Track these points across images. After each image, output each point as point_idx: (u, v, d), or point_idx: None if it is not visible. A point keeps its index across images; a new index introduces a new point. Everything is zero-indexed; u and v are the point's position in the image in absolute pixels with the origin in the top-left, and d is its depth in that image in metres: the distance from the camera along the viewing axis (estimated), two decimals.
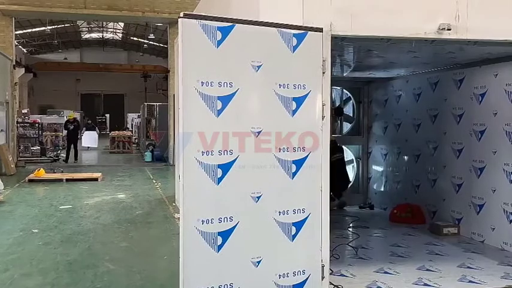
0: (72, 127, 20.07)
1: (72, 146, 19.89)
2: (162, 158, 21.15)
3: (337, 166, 8.61)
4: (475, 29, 4.65)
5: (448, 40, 4.69)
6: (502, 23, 4.72)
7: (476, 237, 6.95)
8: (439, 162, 7.77)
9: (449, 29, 4.58)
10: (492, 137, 6.66)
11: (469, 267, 5.67)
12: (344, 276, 5.34)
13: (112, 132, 29.61)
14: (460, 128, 7.29)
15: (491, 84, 6.71)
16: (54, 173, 15.41)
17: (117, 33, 41.14)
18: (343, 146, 9.45)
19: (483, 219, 6.83)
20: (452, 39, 4.68)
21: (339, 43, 4.88)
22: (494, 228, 6.63)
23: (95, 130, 29.51)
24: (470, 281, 5.18)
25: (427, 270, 5.58)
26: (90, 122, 31.45)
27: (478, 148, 6.90)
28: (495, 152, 6.60)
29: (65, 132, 21.39)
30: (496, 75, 6.61)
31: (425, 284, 5.10)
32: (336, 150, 9.04)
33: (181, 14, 3.76)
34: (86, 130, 28.12)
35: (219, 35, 3.84)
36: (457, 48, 5.74)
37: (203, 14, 3.89)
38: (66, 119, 21.23)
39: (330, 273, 4.69)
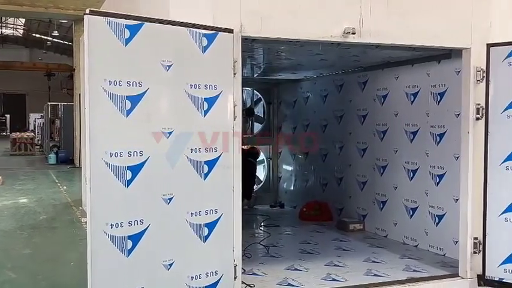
0: None
1: None
2: (68, 160, 20.41)
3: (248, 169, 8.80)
4: (377, 33, 4.88)
5: (352, 43, 4.88)
6: (401, 29, 4.99)
7: (380, 232, 7.29)
8: (345, 161, 8.08)
9: (354, 33, 4.76)
10: (393, 136, 7.02)
11: (373, 261, 5.94)
12: (256, 275, 5.41)
13: (13, 133, 28.12)
14: (364, 128, 7.62)
15: (392, 87, 7.07)
16: None
17: (18, 30, 39.12)
18: (257, 153, 9.63)
19: (386, 215, 7.18)
20: (356, 43, 4.88)
21: (249, 44, 4.93)
22: (396, 223, 6.99)
23: None
24: (375, 275, 5.43)
25: (335, 265, 5.78)
26: None
27: (381, 147, 7.25)
28: (396, 150, 6.96)
29: None
30: (397, 77, 6.97)
31: (334, 279, 5.28)
32: (251, 155, 9.20)
33: (87, 11, 3.63)
34: None
35: (127, 33, 3.74)
36: (361, 52, 5.99)
37: (110, 11, 3.77)
38: None
39: (242, 273, 4.73)
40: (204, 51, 4.15)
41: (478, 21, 5.17)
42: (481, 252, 5.09)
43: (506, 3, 5.36)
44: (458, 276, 5.27)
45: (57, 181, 15.24)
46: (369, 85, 7.54)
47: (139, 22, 3.81)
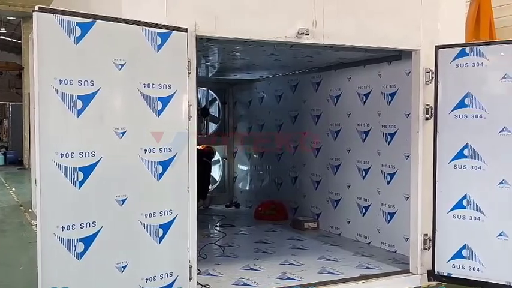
0: None
1: None
2: (17, 161, 19.86)
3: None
4: (329, 34, 4.95)
5: (306, 44, 4.93)
6: (353, 30, 5.08)
7: (334, 230, 7.40)
8: (300, 160, 8.16)
9: (308, 34, 4.81)
10: (346, 136, 7.14)
11: (327, 259, 6.02)
12: (211, 275, 5.39)
13: None
14: (318, 128, 7.71)
15: (345, 87, 7.18)
16: None
17: None
18: (212, 153, 9.59)
19: (339, 213, 7.29)
20: (309, 44, 4.93)
21: (204, 44, 4.91)
22: (349, 222, 7.11)
23: None
24: (329, 272, 5.51)
25: (290, 264, 5.82)
26: None
27: (334, 147, 7.36)
28: (349, 150, 7.08)
29: None
30: (349, 78, 7.09)
31: (289, 278, 5.32)
32: (206, 155, 9.16)
33: (36, 8, 3.53)
34: None
35: (78, 31, 3.66)
36: (315, 52, 6.06)
37: (61, 9, 3.68)
38: None
39: (198, 273, 4.70)
40: (158, 50, 4.11)
41: (427, 23, 5.32)
42: (431, 248, 5.24)
43: (454, 6, 5.54)
44: (409, 272, 5.40)
45: (5, 183, 14.77)
46: (323, 85, 7.63)
47: (91, 20, 3.73)
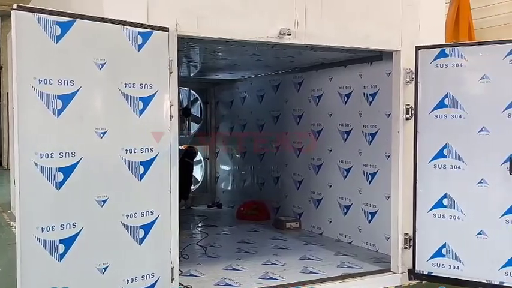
0: None
1: None
2: None
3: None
4: (311, 34, 4.97)
5: (287, 44, 4.95)
6: (334, 31, 5.10)
7: (315, 230, 7.43)
8: (282, 160, 8.17)
9: (289, 34, 4.83)
10: (328, 136, 7.17)
11: (309, 259, 6.04)
12: (194, 276, 5.37)
13: None
14: (299, 128, 7.73)
15: (326, 87, 7.21)
16: None
17: None
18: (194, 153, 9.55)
19: (321, 213, 7.32)
20: (291, 44, 4.94)
21: (185, 44, 4.89)
22: (331, 221, 7.14)
23: None
24: (311, 272, 5.53)
25: (272, 264, 5.83)
26: None
27: (316, 147, 7.38)
28: (330, 150, 7.11)
29: None
30: (331, 79, 7.12)
31: (271, 278, 5.33)
32: (188, 155, 9.11)
33: (15, 6, 3.47)
34: None
35: (58, 30, 3.62)
36: (296, 53, 6.08)
37: (40, 7, 3.63)
38: None
39: (180, 274, 4.68)
40: (139, 50, 4.08)
41: (407, 24, 5.37)
42: (412, 247, 5.28)
43: (434, 8, 5.60)
44: (390, 271, 5.44)
45: None
46: (304, 86, 7.66)
47: (71, 19, 3.69)
